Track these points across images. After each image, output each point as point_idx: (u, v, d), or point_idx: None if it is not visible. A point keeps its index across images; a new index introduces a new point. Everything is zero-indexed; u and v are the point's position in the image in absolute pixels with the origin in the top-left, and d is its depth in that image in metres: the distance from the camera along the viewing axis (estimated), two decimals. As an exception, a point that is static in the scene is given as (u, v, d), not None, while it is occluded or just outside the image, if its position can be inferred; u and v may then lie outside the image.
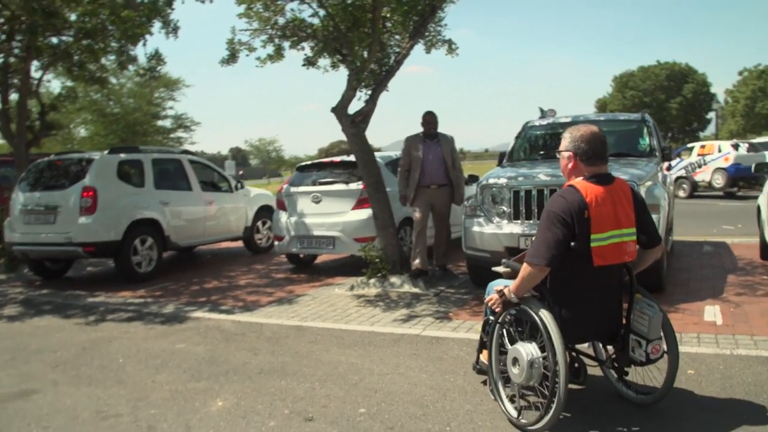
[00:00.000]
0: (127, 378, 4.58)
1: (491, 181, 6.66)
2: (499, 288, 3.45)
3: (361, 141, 7.43)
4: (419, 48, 7.58)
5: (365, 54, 7.23)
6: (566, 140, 3.38)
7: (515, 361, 3.30)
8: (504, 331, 3.49)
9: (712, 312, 5.66)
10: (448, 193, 7.39)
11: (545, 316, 3.19)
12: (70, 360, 5.09)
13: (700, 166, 19.54)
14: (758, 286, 6.65)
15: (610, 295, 3.46)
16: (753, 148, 20.46)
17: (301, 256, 9.24)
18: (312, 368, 4.57)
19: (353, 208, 8.36)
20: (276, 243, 9.04)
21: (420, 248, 7.28)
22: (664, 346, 3.40)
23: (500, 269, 3.63)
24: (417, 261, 7.27)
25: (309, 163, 9.41)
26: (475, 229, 6.60)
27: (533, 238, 3.39)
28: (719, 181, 19.20)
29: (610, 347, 3.67)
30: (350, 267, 9.07)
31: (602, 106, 54.41)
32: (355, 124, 7.39)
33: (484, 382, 3.96)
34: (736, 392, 3.80)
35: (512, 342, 3.42)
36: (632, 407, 3.62)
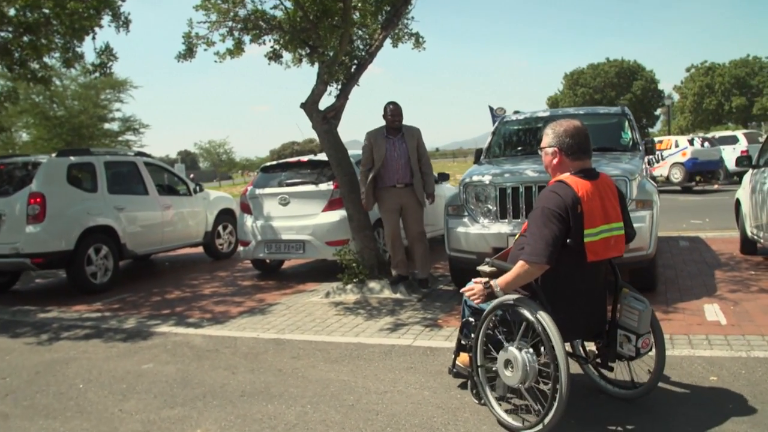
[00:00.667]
0: (89, 407, 4.05)
1: (475, 178, 6.29)
2: (484, 280, 3.32)
3: (334, 138, 6.99)
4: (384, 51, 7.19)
5: (336, 45, 6.78)
6: (549, 136, 3.31)
7: (508, 363, 3.18)
8: (489, 332, 3.39)
9: (712, 311, 5.45)
10: (414, 191, 6.74)
11: (544, 317, 3.07)
12: (22, 387, 4.52)
13: (657, 161, 19.66)
14: (749, 282, 6.48)
15: (598, 290, 3.40)
16: (709, 142, 20.71)
17: (268, 261, 8.74)
18: (300, 388, 4.12)
19: (324, 210, 7.91)
20: (241, 248, 8.52)
21: (397, 254, 6.82)
22: (652, 340, 3.38)
23: (485, 268, 3.42)
24: (397, 268, 6.82)
25: (274, 163, 8.91)
26: (460, 229, 6.24)
27: (526, 236, 3.27)
28: (677, 175, 19.37)
29: (589, 343, 3.69)
30: (320, 272, 8.64)
31: (554, 103, 54.95)
32: (327, 121, 6.95)
33: (462, 386, 3.88)
34: (769, 399, 3.52)
35: (495, 343, 3.35)
36: (631, 408, 3.34)
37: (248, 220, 8.36)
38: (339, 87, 7.11)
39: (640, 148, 7.19)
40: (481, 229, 6.11)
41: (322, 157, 8.38)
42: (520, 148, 7.62)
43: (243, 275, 8.80)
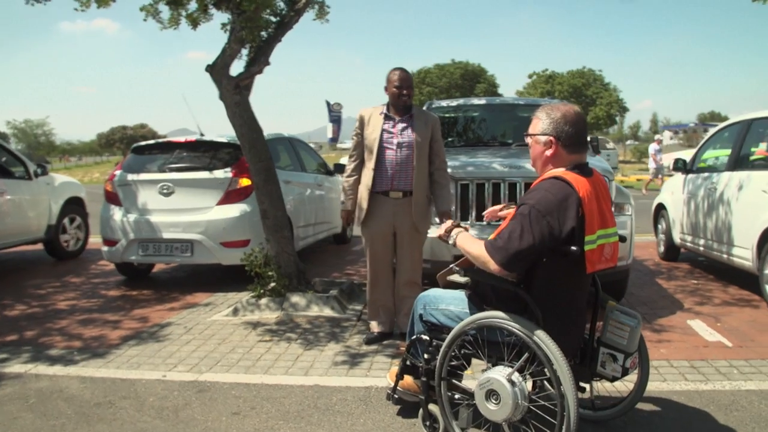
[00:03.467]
0: None
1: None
2: (449, 228, 2.96)
3: (247, 113, 5.53)
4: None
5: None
6: (542, 121, 2.75)
7: (491, 395, 2.59)
8: (455, 353, 2.80)
9: (704, 329, 4.84)
10: (413, 208, 4.49)
11: (544, 339, 2.51)
12: None
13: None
14: (705, 293, 6.04)
15: (584, 306, 2.87)
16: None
17: (136, 264, 7.01)
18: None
19: (220, 203, 6.40)
20: (105, 248, 6.73)
21: (381, 298, 4.72)
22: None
23: (461, 279, 2.91)
24: (377, 318, 4.73)
25: (152, 142, 7.16)
26: (414, 233, 5.04)
27: (502, 229, 2.67)
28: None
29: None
30: (203, 277, 7.14)
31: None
32: (240, 90, 5.47)
33: (400, 413, 3.29)
34: None
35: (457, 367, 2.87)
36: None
37: (116, 214, 6.61)
38: (251, 49, 5.65)
39: (589, 146, 6.48)
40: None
41: (217, 137, 6.87)
42: (450, 138, 6.58)
43: (104, 282, 6.99)
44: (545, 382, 2.72)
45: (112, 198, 6.73)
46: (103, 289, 6.64)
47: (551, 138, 2.71)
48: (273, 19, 5.65)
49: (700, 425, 3.18)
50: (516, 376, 2.55)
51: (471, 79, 53.64)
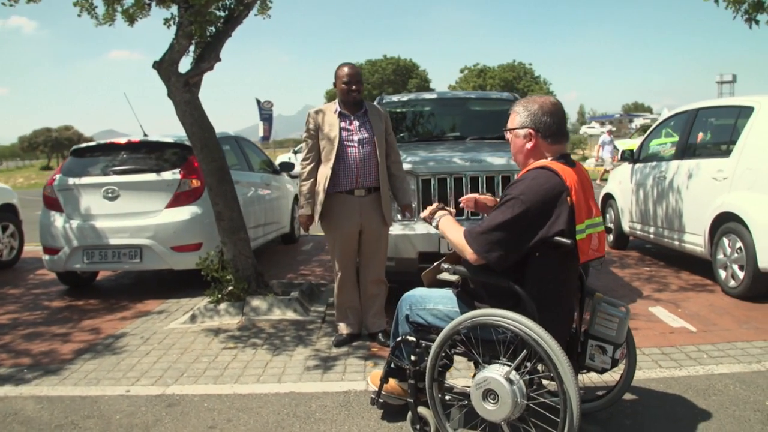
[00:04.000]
0: None
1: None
2: (434, 210, 2.92)
3: (198, 112, 5.31)
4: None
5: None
6: (520, 114, 2.73)
7: (488, 394, 2.52)
8: (445, 353, 2.74)
9: (666, 315, 4.94)
10: (380, 202, 4.39)
11: (543, 335, 2.43)
12: None
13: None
14: (659, 280, 6.19)
15: (573, 298, 2.87)
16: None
17: (80, 272, 6.66)
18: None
19: (168, 206, 6.14)
20: (46, 257, 6.36)
21: (348, 299, 4.54)
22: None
23: (451, 277, 2.82)
24: (345, 320, 4.57)
25: (93, 144, 6.79)
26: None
27: (485, 217, 2.74)
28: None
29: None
30: (149, 282, 6.86)
31: (332, 96, 55.00)
32: (189, 88, 5.25)
33: (385, 417, 3.19)
34: None
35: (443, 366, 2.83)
36: None
37: (57, 220, 6.26)
38: (198, 44, 5.42)
39: None
40: (404, 230, 4.91)
41: (162, 138, 6.60)
42: (403, 134, 6.49)
43: (45, 292, 6.61)
44: (542, 379, 2.67)
45: (51, 204, 6.37)
46: (45, 300, 6.27)
47: (530, 130, 2.69)
48: (221, 13, 5.45)
49: (684, 411, 3.21)
50: (514, 375, 2.49)
51: (403, 74, 53.94)
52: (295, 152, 24.34)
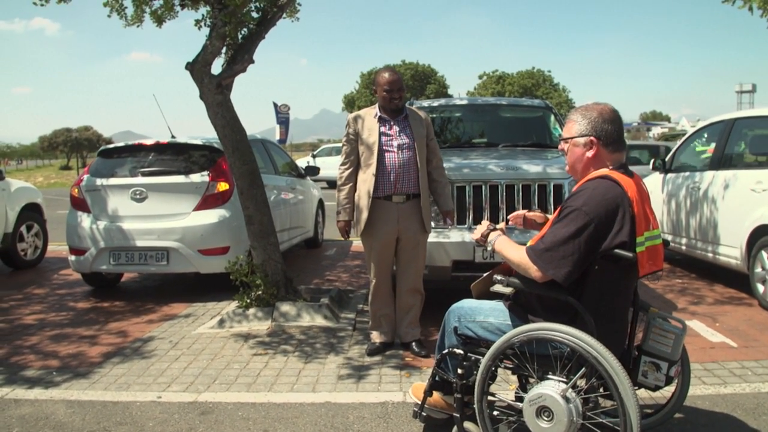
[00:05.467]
0: None
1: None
2: (485, 232, 2.78)
3: (230, 114, 5.26)
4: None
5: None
6: (579, 123, 2.63)
7: (543, 411, 2.42)
8: (496, 367, 2.66)
9: (704, 330, 4.84)
10: (420, 208, 4.29)
11: (603, 353, 2.33)
12: None
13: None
14: (693, 293, 6.05)
15: (628, 312, 2.75)
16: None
17: (105, 274, 6.63)
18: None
19: (197, 209, 6.10)
20: (72, 258, 6.34)
21: (382, 307, 4.45)
22: None
23: (506, 289, 2.68)
24: (379, 329, 4.48)
25: (120, 145, 6.76)
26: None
27: (545, 234, 2.57)
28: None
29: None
30: (176, 285, 6.82)
31: (350, 101, 55.16)
32: (221, 89, 5.20)
33: (425, 430, 3.13)
34: None
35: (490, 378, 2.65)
36: None
37: (84, 221, 6.23)
38: (230, 46, 5.37)
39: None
40: (438, 238, 4.83)
41: (190, 139, 6.56)
42: (447, 140, 6.39)
43: (70, 293, 6.59)
44: (598, 398, 2.57)
45: (79, 204, 6.34)
46: (70, 300, 6.25)
47: (592, 138, 2.59)
48: (255, 15, 5.40)
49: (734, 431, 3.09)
50: (570, 392, 2.39)
51: (421, 80, 53.87)
52: (314, 156, 24.32)
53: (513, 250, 2.61)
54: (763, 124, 6.10)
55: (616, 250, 2.40)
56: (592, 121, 2.60)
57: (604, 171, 2.56)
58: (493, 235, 2.76)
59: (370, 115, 4.32)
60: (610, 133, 2.58)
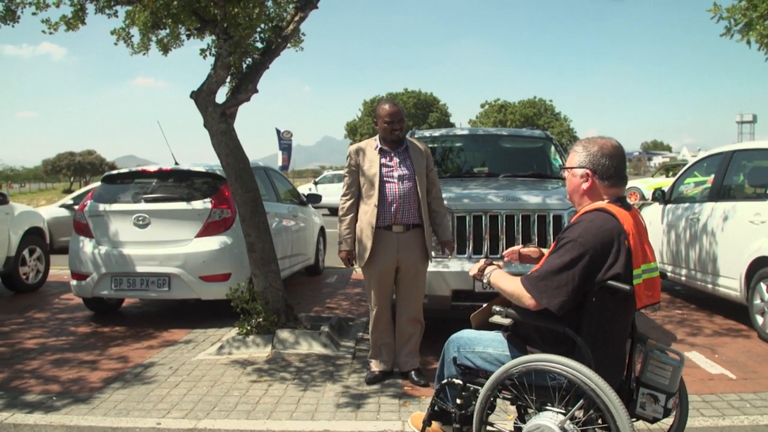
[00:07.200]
0: None
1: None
2: (482, 267, 2.83)
3: (233, 142, 5.33)
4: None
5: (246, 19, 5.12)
6: (579, 154, 2.70)
7: None
8: (495, 397, 2.66)
9: (704, 361, 4.83)
10: (422, 238, 4.38)
11: (601, 385, 2.35)
12: None
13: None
14: (692, 324, 6.04)
15: (625, 344, 2.75)
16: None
17: (106, 299, 6.65)
18: None
19: (199, 235, 6.14)
20: (74, 282, 6.37)
21: (382, 336, 4.49)
22: None
23: (504, 320, 2.71)
24: (378, 357, 4.52)
25: (124, 171, 6.84)
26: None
27: (541, 264, 2.60)
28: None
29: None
30: (174, 312, 6.83)
31: (352, 128, 55.50)
32: (225, 118, 5.27)
33: None
34: None
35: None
36: None
37: (87, 246, 6.27)
38: (234, 75, 5.46)
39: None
40: (438, 267, 4.86)
41: (193, 166, 6.63)
42: (447, 170, 6.46)
43: (71, 317, 6.60)
44: (596, 429, 2.58)
45: (82, 229, 6.39)
46: (71, 325, 6.26)
47: (588, 171, 2.65)
48: (259, 45, 5.51)
49: (734, 466, 3.09)
50: (569, 424, 2.41)
51: (424, 108, 54.27)
52: (315, 183, 24.42)
53: (508, 282, 2.65)
54: (762, 156, 6.16)
55: (612, 282, 2.43)
56: (591, 154, 2.66)
57: (601, 203, 2.60)
58: (489, 268, 2.81)
59: (371, 146, 4.40)
60: (606, 167, 2.63)
